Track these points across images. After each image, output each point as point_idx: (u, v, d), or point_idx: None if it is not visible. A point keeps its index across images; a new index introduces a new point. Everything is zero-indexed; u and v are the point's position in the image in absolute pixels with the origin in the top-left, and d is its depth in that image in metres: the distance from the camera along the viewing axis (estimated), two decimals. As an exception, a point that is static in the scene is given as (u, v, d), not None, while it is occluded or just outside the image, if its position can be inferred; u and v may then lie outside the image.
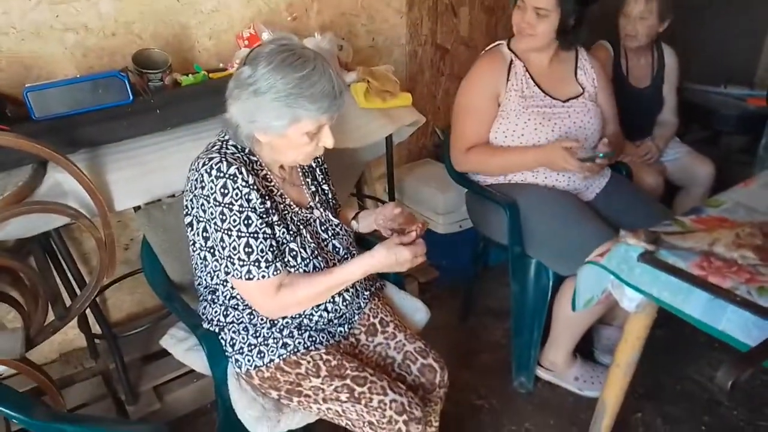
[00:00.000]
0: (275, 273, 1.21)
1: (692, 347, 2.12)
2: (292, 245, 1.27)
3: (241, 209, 1.18)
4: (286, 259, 1.26)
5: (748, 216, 1.36)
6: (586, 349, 2.06)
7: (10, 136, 1.33)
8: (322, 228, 1.38)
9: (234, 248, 1.18)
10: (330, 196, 1.48)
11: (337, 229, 1.40)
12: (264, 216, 1.21)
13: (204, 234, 1.25)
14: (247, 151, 1.27)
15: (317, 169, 1.47)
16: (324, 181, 1.48)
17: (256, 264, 1.19)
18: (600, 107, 1.93)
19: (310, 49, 1.21)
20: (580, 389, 1.96)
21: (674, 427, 1.86)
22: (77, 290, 1.70)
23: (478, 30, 2.77)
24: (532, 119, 1.81)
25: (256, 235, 1.19)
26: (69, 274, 1.72)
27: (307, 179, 1.42)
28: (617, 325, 2.01)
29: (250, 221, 1.18)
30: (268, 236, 1.21)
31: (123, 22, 1.81)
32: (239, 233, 1.18)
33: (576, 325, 1.86)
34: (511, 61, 1.86)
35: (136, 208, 1.66)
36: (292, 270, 1.27)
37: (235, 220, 1.18)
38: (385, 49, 2.51)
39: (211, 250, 1.26)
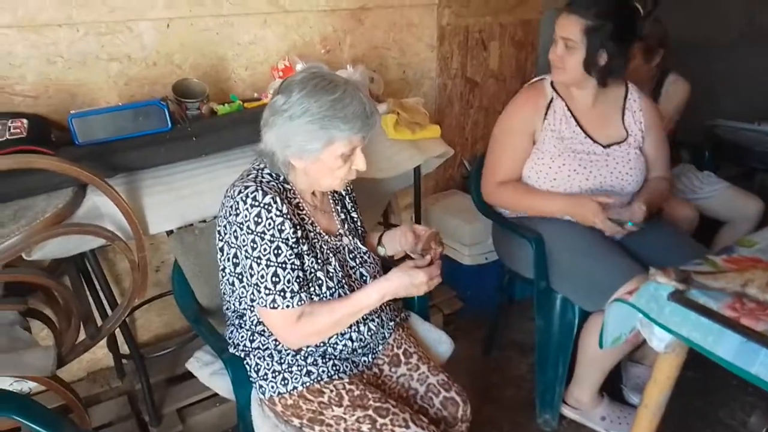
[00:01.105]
0: (299, 304, 1.23)
1: (724, 390, 2.06)
2: (319, 274, 1.28)
3: (272, 239, 1.20)
4: (312, 288, 1.27)
5: (782, 257, 1.33)
6: (614, 387, 2.02)
7: (54, 160, 1.39)
8: (350, 256, 1.40)
9: (262, 276, 1.21)
10: (358, 224, 1.50)
11: (365, 257, 1.42)
12: (294, 246, 1.23)
13: (234, 260, 1.28)
14: (281, 179, 1.30)
15: (347, 197, 1.49)
16: (353, 209, 1.50)
17: (282, 294, 1.21)
18: (645, 154, 1.86)
19: (340, 76, 1.26)
20: (606, 430, 1.91)
21: (705, 473, 1.80)
22: (109, 310, 1.74)
23: (507, 64, 2.80)
24: (567, 164, 1.77)
25: (284, 266, 1.21)
26: (101, 295, 1.76)
27: (337, 207, 1.45)
28: (647, 365, 1.97)
29: (279, 251, 1.21)
30: (296, 267, 1.23)
31: (164, 53, 1.89)
32: (268, 262, 1.20)
33: (602, 363, 1.82)
34: (552, 99, 1.82)
35: (169, 232, 1.70)
36: (316, 299, 1.28)
37: (265, 249, 1.20)
38: (416, 82, 2.55)
39: (240, 276, 1.28)
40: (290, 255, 1.22)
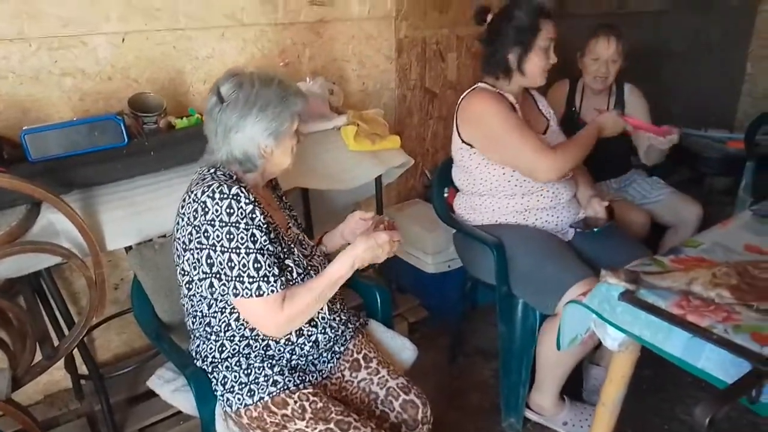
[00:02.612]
0: (282, 288, 1.25)
1: (679, 387, 2.13)
2: (288, 261, 1.32)
3: (247, 227, 1.22)
4: (285, 275, 1.31)
5: (724, 256, 1.40)
6: (575, 390, 2.07)
7: (6, 177, 1.36)
8: (302, 247, 1.44)
9: (243, 266, 1.22)
10: (299, 221, 1.56)
11: (313, 250, 1.49)
12: (267, 232, 1.26)
13: (208, 261, 1.24)
14: (234, 178, 1.32)
15: (282, 196, 1.56)
16: (287, 206, 1.56)
17: (265, 279, 1.23)
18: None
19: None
20: None
21: (664, 468, 1.85)
22: (65, 330, 1.70)
23: (465, 75, 2.86)
24: None
25: (263, 251, 1.23)
26: (58, 314, 1.72)
27: (280, 204, 1.51)
28: (604, 366, 2.02)
29: (256, 238, 1.23)
30: (271, 252, 1.26)
31: (120, 68, 1.87)
32: (248, 250, 1.22)
33: (559, 367, 1.86)
34: (501, 94, 1.88)
35: (128, 249, 1.68)
36: (291, 284, 1.32)
37: (242, 238, 1.22)
38: (375, 93, 2.58)
39: (218, 275, 1.25)
40: (265, 241, 1.25)
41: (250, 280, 1.22)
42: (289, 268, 1.33)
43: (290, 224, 1.47)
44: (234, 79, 1.29)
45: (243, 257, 1.22)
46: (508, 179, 1.88)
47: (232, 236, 1.21)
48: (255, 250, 1.23)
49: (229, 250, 1.21)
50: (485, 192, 1.94)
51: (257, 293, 1.22)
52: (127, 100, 1.75)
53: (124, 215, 1.62)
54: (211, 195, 1.22)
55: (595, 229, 1.85)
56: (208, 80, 2.06)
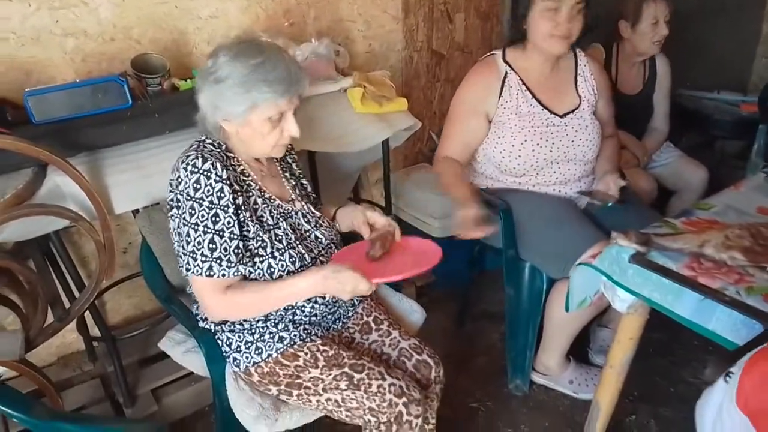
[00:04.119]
0: (235, 275, 1.24)
1: (687, 350, 2.14)
2: (264, 236, 1.29)
3: (210, 206, 1.21)
4: (255, 250, 1.28)
5: (737, 218, 1.39)
6: (581, 351, 2.08)
7: (10, 139, 1.34)
8: (305, 219, 1.41)
9: (198, 243, 1.21)
10: (309, 190, 1.52)
11: (321, 221, 1.44)
12: (234, 215, 1.23)
13: (177, 230, 1.27)
14: (224, 147, 1.31)
15: (293, 164, 1.51)
16: (302, 176, 1.52)
17: (218, 261, 1.22)
18: (598, 117, 1.89)
19: (269, 41, 1.29)
20: (575, 392, 1.97)
21: (668, 428, 1.87)
22: (76, 293, 1.71)
23: (473, 36, 2.79)
24: (528, 139, 1.78)
25: (221, 233, 1.22)
26: (68, 277, 1.73)
27: (286, 173, 1.46)
28: (613, 328, 2.03)
29: (217, 218, 1.21)
30: (234, 237, 1.23)
31: (122, 28, 1.83)
32: (206, 229, 1.21)
33: (567, 328, 1.87)
34: (506, 74, 1.81)
35: (135, 212, 1.67)
36: (261, 261, 1.28)
37: (203, 216, 1.21)
38: (382, 55, 2.53)
39: (180, 245, 1.27)
40: (229, 223, 1.22)
41: (203, 258, 1.21)
42: (264, 243, 1.28)
43: (292, 196, 1.42)
44: (222, 45, 1.26)
45: (200, 235, 1.21)
46: (517, 154, 1.80)
47: (193, 211, 1.21)
48: (213, 231, 1.21)
49: (189, 225, 1.21)
50: (491, 174, 1.93)
51: (207, 273, 1.22)
52: (130, 62, 1.72)
53: (130, 178, 1.60)
54: (185, 167, 1.22)
55: (599, 203, 1.77)
56: (212, 41, 2.02)
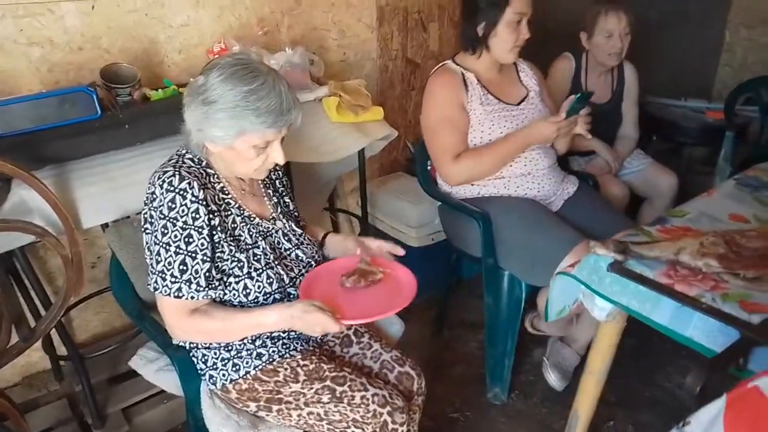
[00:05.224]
0: (204, 298, 1.21)
1: (661, 355, 2.17)
2: (241, 256, 1.26)
3: (184, 226, 1.18)
4: (230, 271, 1.24)
5: (711, 225, 1.41)
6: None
7: (-28, 152, 1.29)
8: (285, 238, 1.38)
9: (169, 263, 1.18)
10: (291, 208, 1.49)
11: (302, 239, 1.41)
12: (209, 237, 1.20)
13: (149, 247, 1.23)
14: (204, 164, 1.28)
15: (276, 181, 1.47)
16: (285, 194, 1.48)
17: (188, 284, 1.18)
18: (546, 105, 2.00)
19: (266, 65, 1.23)
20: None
21: (645, 433, 1.89)
22: (42, 310, 1.65)
23: (447, 45, 2.81)
24: (496, 123, 1.85)
25: (194, 255, 1.18)
26: (33, 294, 1.67)
27: (269, 191, 1.42)
28: (575, 348, 2.04)
29: (191, 239, 1.18)
30: (206, 259, 1.20)
31: (90, 37, 1.79)
32: (178, 250, 1.18)
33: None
34: (463, 74, 1.89)
35: (104, 226, 1.62)
36: (237, 281, 1.25)
37: (176, 236, 1.17)
38: (356, 64, 2.52)
39: (150, 262, 1.23)
40: (202, 245, 1.19)
41: (172, 279, 1.18)
42: (240, 263, 1.25)
43: (273, 214, 1.38)
44: (216, 63, 1.20)
45: (171, 255, 1.18)
46: (488, 140, 1.86)
47: (166, 230, 1.17)
48: (185, 252, 1.18)
49: (160, 244, 1.18)
50: None
51: (176, 294, 1.19)
52: (99, 71, 1.68)
53: (99, 191, 1.56)
54: (161, 184, 1.18)
55: (579, 98, 1.76)
56: (184, 50, 1.98)
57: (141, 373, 1.48)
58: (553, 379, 2.01)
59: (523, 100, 1.95)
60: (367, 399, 1.25)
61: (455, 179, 1.89)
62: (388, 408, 1.25)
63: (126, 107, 1.65)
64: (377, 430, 1.24)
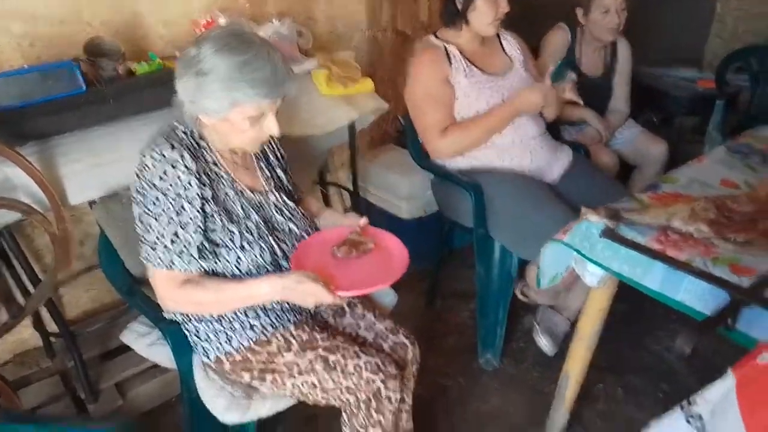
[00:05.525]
0: (197, 270, 1.21)
1: (651, 320, 2.20)
2: (233, 228, 1.25)
3: (176, 197, 1.17)
4: (223, 242, 1.24)
5: (702, 191, 1.41)
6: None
7: (-47, 128, 1.27)
8: (278, 211, 1.37)
9: (161, 235, 1.17)
10: (285, 181, 1.47)
11: (294, 213, 1.40)
12: (200, 208, 1.19)
13: (140, 218, 1.22)
14: (196, 135, 1.26)
15: (270, 155, 1.45)
16: (278, 166, 1.46)
17: (180, 255, 1.18)
18: (532, 75, 2.00)
19: (259, 36, 1.21)
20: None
21: (634, 396, 1.92)
22: (30, 288, 1.64)
23: (437, 15, 2.75)
24: (482, 95, 1.85)
25: (185, 226, 1.18)
26: (21, 272, 1.66)
27: (261, 163, 1.41)
28: (566, 316, 2.06)
29: (182, 210, 1.17)
30: (198, 230, 1.19)
31: (72, 9, 1.73)
32: (170, 221, 1.17)
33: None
34: (446, 48, 1.88)
35: (92, 203, 1.60)
36: (228, 253, 1.25)
37: (168, 207, 1.16)
38: (345, 35, 2.48)
39: (140, 234, 1.22)
40: (194, 216, 1.19)
41: (164, 250, 1.18)
42: (232, 235, 1.24)
43: (266, 187, 1.37)
44: (209, 33, 1.18)
45: (163, 227, 1.17)
46: (475, 110, 1.86)
47: (158, 202, 1.17)
48: (177, 223, 1.17)
49: (152, 215, 1.17)
50: None
51: (168, 266, 1.18)
52: (83, 46, 1.64)
53: (85, 167, 1.54)
54: (152, 155, 1.17)
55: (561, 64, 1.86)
56: (169, 22, 1.94)
57: (133, 347, 1.49)
58: (544, 343, 2.03)
59: (507, 71, 1.95)
60: (360, 367, 1.26)
61: (444, 153, 1.90)
62: (381, 375, 1.26)
63: (110, 82, 1.61)
64: (370, 396, 1.25)
